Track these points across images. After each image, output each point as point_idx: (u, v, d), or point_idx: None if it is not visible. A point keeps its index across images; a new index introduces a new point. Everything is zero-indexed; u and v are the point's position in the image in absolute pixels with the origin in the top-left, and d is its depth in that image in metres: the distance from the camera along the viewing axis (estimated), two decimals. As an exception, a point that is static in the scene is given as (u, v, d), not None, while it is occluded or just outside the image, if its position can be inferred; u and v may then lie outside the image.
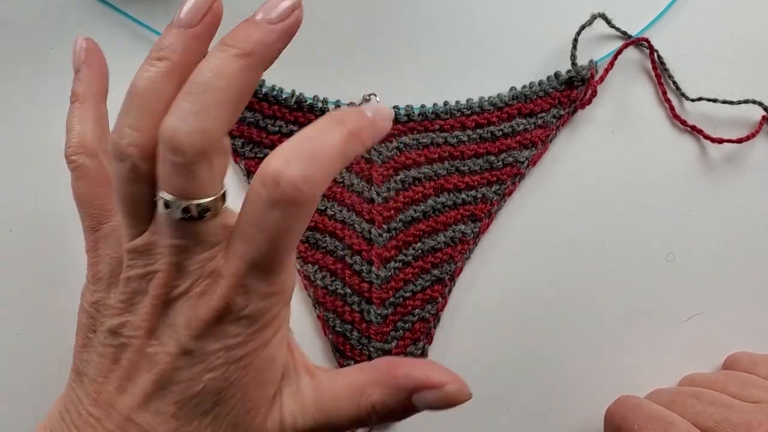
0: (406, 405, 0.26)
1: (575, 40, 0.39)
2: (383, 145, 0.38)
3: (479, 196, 0.38)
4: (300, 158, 0.23)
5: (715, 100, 0.39)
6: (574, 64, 0.39)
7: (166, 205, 0.24)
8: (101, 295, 0.28)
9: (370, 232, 0.37)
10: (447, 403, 0.26)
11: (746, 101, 0.39)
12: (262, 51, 0.25)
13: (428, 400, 0.26)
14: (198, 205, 0.24)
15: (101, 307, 0.27)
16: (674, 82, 0.40)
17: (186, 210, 0.24)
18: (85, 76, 0.31)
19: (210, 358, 0.25)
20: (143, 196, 0.25)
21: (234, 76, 0.24)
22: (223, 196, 0.25)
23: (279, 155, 0.24)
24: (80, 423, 0.27)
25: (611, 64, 0.39)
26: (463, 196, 0.38)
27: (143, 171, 0.24)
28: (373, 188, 0.38)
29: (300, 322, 0.38)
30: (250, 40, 0.24)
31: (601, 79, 0.39)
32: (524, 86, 0.39)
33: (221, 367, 0.25)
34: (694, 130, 0.40)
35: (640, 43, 0.40)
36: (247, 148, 0.38)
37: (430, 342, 0.38)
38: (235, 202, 0.38)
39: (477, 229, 0.38)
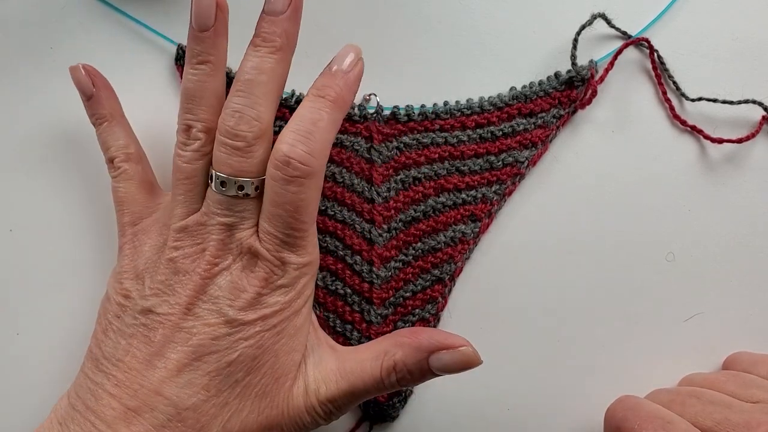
0: (423, 367, 0.29)
1: (575, 40, 0.39)
2: (383, 145, 0.38)
3: (479, 196, 0.38)
4: (300, 138, 0.27)
5: (715, 100, 0.39)
6: (574, 64, 0.39)
7: (222, 183, 0.28)
8: (133, 282, 0.30)
9: (370, 232, 0.37)
10: (461, 363, 0.29)
11: (746, 101, 0.39)
12: (344, 95, 0.30)
13: (444, 360, 0.29)
14: (251, 182, 0.28)
15: (132, 292, 0.30)
16: (674, 82, 0.40)
17: (241, 187, 0.28)
18: (102, 98, 0.34)
19: (247, 327, 0.28)
20: (201, 176, 0.29)
21: (277, 76, 0.29)
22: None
23: (283, 141, 0.28)
24: (98, 407, 0.27)
25: (611, 64, 0.39)
26: (463, 196, 0.38)
27: (205, 152, 0.29)
28: (373, 188, 0.38)
29: (300, 322, 0.38)
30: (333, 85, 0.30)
31: (601, 79, 0.39)
32: (524, 86, 0.39)
33: (256, 335, 0.28)
34: (694, 130, 0.40)
35: (640, 43, 0.40)
36: (247, 148, 0.38)
37: (430, 342, 0.38)
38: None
39: (477, 229, 0.38)
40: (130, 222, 0.32)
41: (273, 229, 0.28)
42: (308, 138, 0.28)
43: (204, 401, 0.27)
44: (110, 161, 0.34)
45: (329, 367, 0.30)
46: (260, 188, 0.28)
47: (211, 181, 0.28)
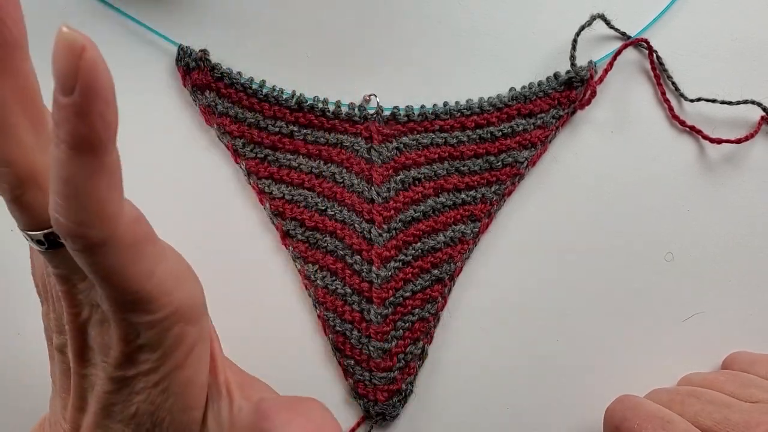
0: None
1: (574, 41, 0.39)
2: (383, 145, 0.38)
3: (479, 196, 0.38)
4: (59, 197, 0.20)
5: (714, 101, 0.39)
6: (573, 64, 0.39)
7: (25, 237, 0.23)
8: (45, 308, 0.27)
9: (370, 232, 0.37)
10: None
11: (745, 102, 0.39)
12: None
13: None
14: (49, 234, 0.22)
15: (49, 318, 0.27)
16: (673, 83, 0.40)
17: (41, 242, 0.22)
18: None
19: (132, 382, 0.25)
20: None
21: None
22: None
23: (50, 203, 0.20)
24: None
25: (610, 64, 0.39)
26: (463, 196, 0.38)
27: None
28: (373, 188, 0.38)
29: (300, 322, 0.38)
30: None
31: (601, 79, 0.39)
32: (524, 87, 0.39)
33: (144, 391, 0.25)
34: (693, 131, 0.40)
35: (639, 43, 0.40)
36: (248, 149, 0.38)
37: (430, 341, 0.38)
38: (237, 202, 0.39)
39: (477, 229, 0.38)
40: None
41: (100, 291, 0.22)
42: (68, 202, 0.20)
43: None
44: None
45: (225, 422, 0.27)
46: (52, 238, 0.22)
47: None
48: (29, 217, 0.22)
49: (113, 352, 0.24)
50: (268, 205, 0.38)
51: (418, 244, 0.38)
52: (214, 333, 0.29)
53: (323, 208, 0.37)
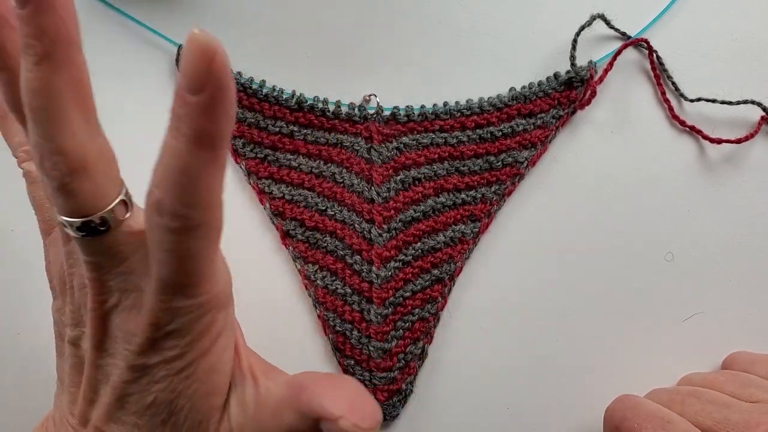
0: (318, 430, 0.25)
1: (574, 41, 0.39)
2: (383, 145, 0.38)
3: (479, 196, 0.38)
4: (170, 183, 0.21)
5: (714, 101, 0.39)
6: (573, 64, 0.39)
7: (64, 225, 0.23)
8: (59, 302, 0.27)
9: (370, 232, 0.37)
10: None
11: (745, 102, 0.39)
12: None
13: (330, 430, 0.24)
14: (89, 221, 0.22)
15: (63, 314, 0.27)
16: (673, 83, 0.40)
17: (80, 228, 0.23)
18: None
19: (153, 370, 0.25)
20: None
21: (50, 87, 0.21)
22: (125, 202, 0.23)
23: (154, 179, 0.22)
24: (63, 430, 0.27)
25: (610, 64, 0.39)
26: (463, 196, 0.38)
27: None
28: (373, 188, 0.38)
29: (300, 322, 0.38)
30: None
31: (601, 79, 0.39)
32: (524, 87, 0.39)
33: (166, 379, 0.25)
34: (693, 131, 0.40)
35: (639, 43, 0.40)
36: (248, 149, 0.38)
37: (430, 341, 0.38)
38: (237, 202, 0.39)
39: (477, 229, 0.38)
40: (43, 230, 0.29)
41: (155, 271, 0.23)
42: (180, 189, 0.22)
43: None
44: (18, 164, 0.30)
45: (250, 407, 0.26)
46: (111, 223, 0.23)
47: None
48: (73, 204, 0.22)
49: (138, 338, 0.24)
50: (268, 205, 0.38)
51: (418, 244, 0.38)
52: (237, 322, 0.29)
53: (323, 208, 0.37)
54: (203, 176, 0.21)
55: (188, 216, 0.21)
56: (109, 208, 0.23)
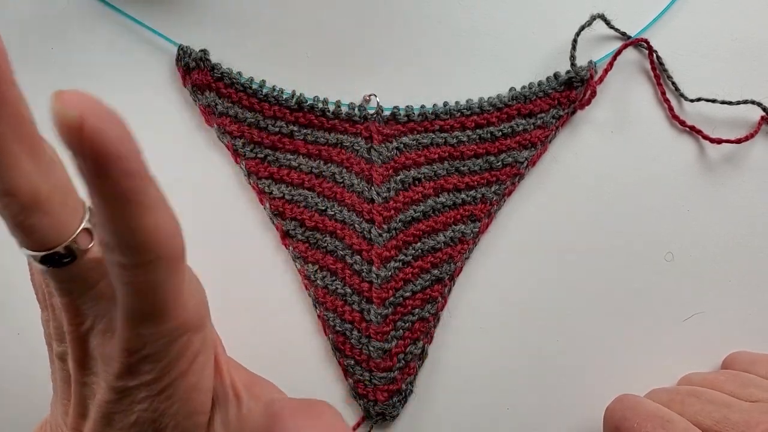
0: None
1: (574, 41, 0.39)
2: (383, 145, 0.38)
3: (479, 196, 0.38)
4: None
5: (714, 101, 0.39)
6: (573, 64, 0.39)
7: (29, 257, 0.22)
8: (45, 315, 0.27)
9: (370, 232, 0.37)
10: None
11: (745, 102, 0.39)
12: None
13: None
14: (53, 253, 0.22)
15: (49, 326, 0.27)
16: (673, 83, 0.40)
17: (45, 260, 0.22)
18: None
19: (134, 392, 0.24)
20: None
21: None
22: (88, 230, 0.23)
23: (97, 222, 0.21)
24: None
25: (610, 64, 0.39)
26: (463, 196, 0.38)
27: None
28: (373, 188, 0.38)
29: (300, 322, 0.38)
30: None
31: (601, 79, 0.39)
32: (524, 87, 0.39)
33: (146, 400, 0.25)
34: (693, 131, 0.40)
35: (639, 43, 0.40)
36: (248, 149, 0.38)
37: (430, 341, 0.38)
38: (237, 202, 0.39)
39: (476, 229, 0.38)
40: None
41: (119, 302, 0.23)
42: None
43: None
44: None
45: (233, 423, 0.26)
46: (75, 253, 0.23)
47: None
48: (33, 240, 0.22)
49: (115, 363, 0.24)
50: (268, 205, 0.38)
51: (418, 244, 0.38)
52: (217, 336, 0.29)
53: (323, 208, 0.37)
54: (136, 220, 0.20)
55: (138, 254, 0.20)
56: (71, 239, 0.22)
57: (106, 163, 0.18)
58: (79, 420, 0.26)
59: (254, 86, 0.38)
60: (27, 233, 0.21)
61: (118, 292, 0.22)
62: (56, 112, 0.18)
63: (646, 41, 0.40)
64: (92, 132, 0.18)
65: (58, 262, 0.22)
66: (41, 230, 0.21)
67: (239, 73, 0.38)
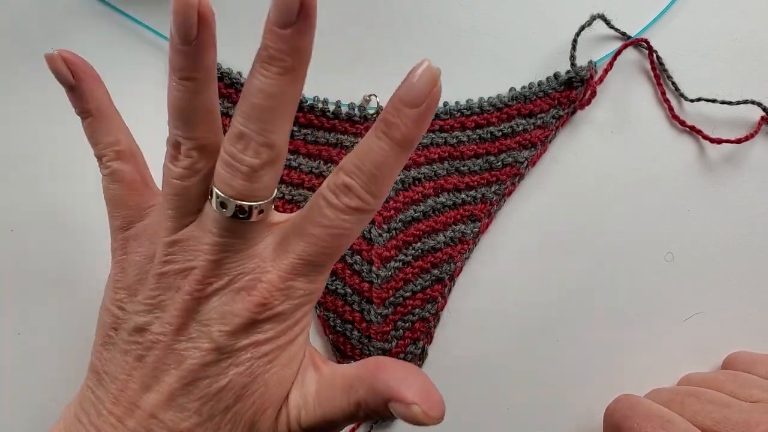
0: (385, 410, 0.26)
1: (574, 41, 0.39)
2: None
3: (479, 196, 0.38)
4: (364, 173, 0.25)
5: (714, 101, 0.39)
6: (573, 64, 0.39)
7: (222, 204, 0.25)
8: (126, 293, 0.28)
9: (370, 232, 0.37)
10: (411, 421, 0.25)
11: (745, 102, 0.39)
12: (412, 136, 0.26)
13: (398, 412, 0.25)
14: (255, 206, 0.25)
15: (127, 304, 0.28)
16: (673, 83, 0.40)
17: (242, 210, 0.25)
18: (85, 90, 0.30)
19: (239, 353, 0.26)
20: (194, 191, 0.26)
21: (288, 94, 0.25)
22: (273, 198, 0.26)
23: (346, 169, 0.26)
24: (100, 423, 0.27)
25: (610, 64, 0.39)
26: (463, 196, 0.38)
27: (200, 168, 0.26)
28: (373, 188, 0.38)
29: (300, 322, 0.38)
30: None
31: (601, 79, 0.39)
32: (524, 87, 0.39)
33: (247, 362, 0.26)
34: (693, 131, 0.40)
35: (639, 43, 0.40)
36: (248, 149, 0.38)
37: (430, 341, 0.38)
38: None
39: (476, 229, 0.38)
40: (120, 226, 0.30)
41: (301, 249, 0.26)
42: (373, 173, 0.25)
43: (197, 425, 0.26)
44: (99, 159, 0.31)
45: (310, 390, 0.28)
46: (264, 212, 0.26)
47: (211, 197, 0.26)
48: (252, 189, 0.25)
49: (238, 319, 0.26)
50: (268, 205, 0.38)
51: (418, 244, 0.38)
52: None
53: (323, 208, 0.37)
54: (395, 174, 0.25)
55: (369, 202, 0.25)
56: (269, 199, 0.26)
57: (428, 115, 0.26)
58: (142, 393, 0.26)
59: (254, 86, 0.38)
60: (253, 181, 0.25)
61: (306, 240, 0.26)
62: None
63: (646, 41, 0.40)
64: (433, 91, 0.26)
65: (247, 214, 0.25)
66: (263, 183, 0.25)
67: (239, 73, 0.38)
